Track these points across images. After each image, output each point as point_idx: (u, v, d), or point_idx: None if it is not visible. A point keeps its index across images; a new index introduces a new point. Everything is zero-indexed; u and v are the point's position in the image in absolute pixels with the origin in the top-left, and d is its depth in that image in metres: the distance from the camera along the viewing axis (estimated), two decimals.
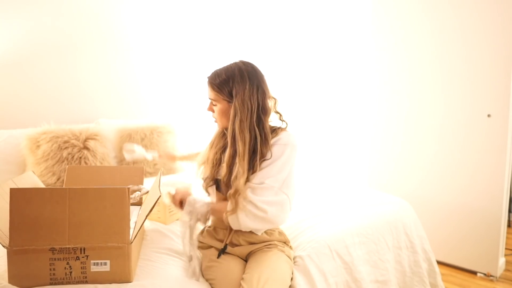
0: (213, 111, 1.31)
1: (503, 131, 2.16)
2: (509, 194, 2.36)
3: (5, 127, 2.21)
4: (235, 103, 1.21)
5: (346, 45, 3.12)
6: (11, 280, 0.97)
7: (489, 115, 2.20)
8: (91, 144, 2.16)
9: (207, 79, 1.30)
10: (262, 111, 1.24)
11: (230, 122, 1.22)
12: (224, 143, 1.35)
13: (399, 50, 2.59)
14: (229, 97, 1.24)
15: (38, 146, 2.05)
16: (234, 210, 1.18)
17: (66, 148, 2.09)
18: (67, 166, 1.50)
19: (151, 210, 1.04)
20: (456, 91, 2.33)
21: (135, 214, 1.37)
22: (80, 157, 2.11)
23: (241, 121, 1.20)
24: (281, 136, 1.24)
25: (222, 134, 1.37)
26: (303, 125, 3.46)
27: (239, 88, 1.22)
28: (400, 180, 2.66)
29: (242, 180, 1.17)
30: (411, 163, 2.59)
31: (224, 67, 1.28)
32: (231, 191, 1.19)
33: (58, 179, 2.04)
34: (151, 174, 2.41)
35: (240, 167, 1.19)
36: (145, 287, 1.04)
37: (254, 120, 1.21)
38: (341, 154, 3.25)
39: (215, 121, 1.34)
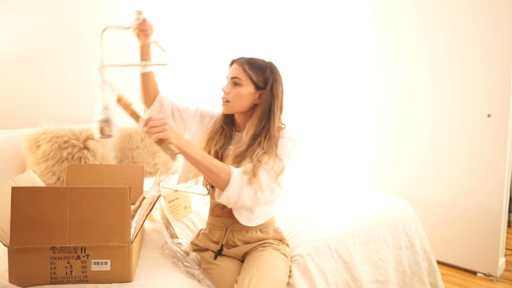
0: (228, 92, 1.27)
1: (503, 131, 2.17)
2: (509, 194, 2.37)
3: (5, 127, 2.21)
4: (272, 90, 1.26)
5: (345, 45, 3.12)
6: (12, 279, 0.97)
7: (489, 115, 2.21)
8: (91, 144, 2.16)
9: (236, 59, 1.30)
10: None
11: (265, 106, 1.25)
12: (224, 140, 1.32)
13: (398, 49, 2.59)
14: (262, 83, 1.26)
15: (38, 146, 2.05)
16: (249, 181, 1.13)
17: (66, 148, 2.09)
18: (67, 164, 1.50)
19: (150, 210, 1.04)
20: (456, 91, 2.33)
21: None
22: (80, 157, 2.11)
23: (278, 109, 1.26)
24: (285, 131, 1.29)
25: (221, 130, 1.34)
26: (302, 124, 3.46)
27: (276, 79, 1.28)
28: (399, 180, 2.66)
29: (266, 157, 1.19)
30: (411, 163, 2.59)
31: (257, 57, 1.30)
32: (255, 163, 1.16)
33: (58, 179, 2.04)
34: (151, 174, 2.41)
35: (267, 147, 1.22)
36: (145, 287, 1.04)
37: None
38: (341, 154, 3.25)
39: (226, 102, 1.28)
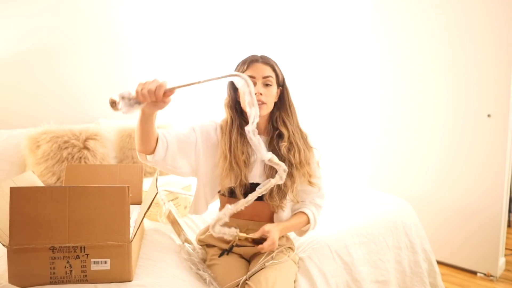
0: (263, 93, 1.21)
1: (503, 131, 2.16)
2: (509, 194, 2.37)
3: (5, 127, 2.21)
4: (287, 87, 1.32)
5: (347, 45, 3.12)
6: (11, 279, 0.97)
7: (489, 115, 2.21)
8: (91, 144, 2.16)
9: (260, 58, 1.24)
10: None
11: (289, 101, 1.34)
12: (248, 147, 1.24)
13: (399, 50, 2.59)
14: (282, 80, 1.30)
15: (38, 146, 2.05)
16: (320, 209, 1.35)
17: (66, 148, 2.08)
18: (66, 165, 1.49)
19: (148, 208, 1.04)
20: (457, 91, 2.33)
21: (135, 213, 1.36)
22: (80, 157, 2.11)
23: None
24: (309, 139, 1.47)
25: (240, 136, 1.24)
26: (304, 124, 3.46)
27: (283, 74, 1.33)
28: (400, 180, 2.66)
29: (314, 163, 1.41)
30: (411, 163, 2.59)
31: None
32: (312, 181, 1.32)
33: (58, 179, 2.04)
34: (150, 174, 2.41)
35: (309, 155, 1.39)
36: (145, 287, 1.03)
37: None
38: (342, 154, 3.25)
39: (262, 104, 1.20)
